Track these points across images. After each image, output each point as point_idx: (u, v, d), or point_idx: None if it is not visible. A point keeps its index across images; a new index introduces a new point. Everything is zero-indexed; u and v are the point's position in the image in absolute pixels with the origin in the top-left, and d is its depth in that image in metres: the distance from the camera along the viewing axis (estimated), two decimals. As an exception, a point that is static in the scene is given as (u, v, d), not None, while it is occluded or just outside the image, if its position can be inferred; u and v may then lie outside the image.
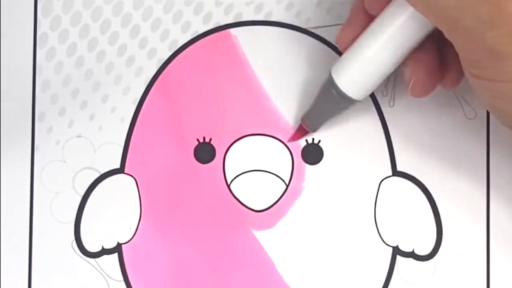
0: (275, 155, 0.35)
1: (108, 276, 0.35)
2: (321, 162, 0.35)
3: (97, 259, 0.35)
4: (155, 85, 0.35)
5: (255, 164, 0.35)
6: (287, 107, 0.35)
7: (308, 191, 0.35)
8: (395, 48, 0.29)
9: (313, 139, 0.35)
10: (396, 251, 0.35)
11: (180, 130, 0.35)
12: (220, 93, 0.35)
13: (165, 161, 0.35)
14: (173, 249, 0.35)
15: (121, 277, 0.35)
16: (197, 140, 0.35)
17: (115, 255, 0.35)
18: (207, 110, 0.35)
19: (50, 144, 0.36)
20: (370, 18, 0.30)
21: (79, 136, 0.36)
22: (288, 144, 0.35)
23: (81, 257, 0.35)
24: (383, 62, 0.30)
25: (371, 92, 0.31)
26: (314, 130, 0.34)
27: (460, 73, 0.30)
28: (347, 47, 0.31)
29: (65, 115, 0.36)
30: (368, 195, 0.35)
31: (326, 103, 0.32)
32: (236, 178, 0.35)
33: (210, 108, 0.35)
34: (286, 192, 0.35)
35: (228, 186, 0.35)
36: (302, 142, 0.35)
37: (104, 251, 0.35)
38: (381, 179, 0.35)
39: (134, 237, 0.35)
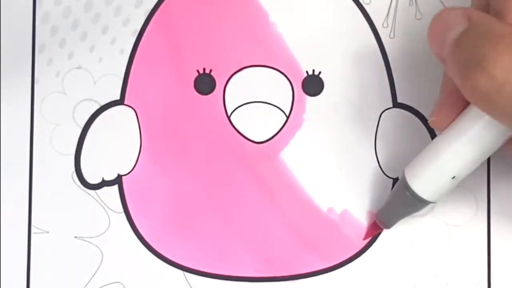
0: (276, 87, 0.35)
1: (108, 207, 0.35)
2: (321, 94, 0.35)
3: (98, 191, 0.35)
4: (155, 16, 0.35)
5: (256, 96, 0.35)
6: (291, 38, 0.35)
7: (309, 122, 0.35)
8: (474, 151, 0.28)
9: (313, 70, 0.35)
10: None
11: (180, 61, 0.35)
12: (221, 24, 0.35)
13: (165, 93, 0.35)
14: (173, 180, 0.35)
15: (121, 209, 0.35)
16: (197, 71, 0.35)
17: (115, 186, 0.35)
18: (207, 41, 0.35)
19: (50, 76, 0.36)
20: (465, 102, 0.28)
21: (79, 68, 0.36)
22: (288, 75, 0.35)
23: (82, 189, 0.35)
24: (464, 166, 0.29)
25: (446, 194, 0.31)
26: (388, 228, 0.34)
27: None
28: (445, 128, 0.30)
29: (65, 47, 0.35)
30: (368, 127, 0.35)
31: (400, 204, 0.32)
32: (237, 110, 0.35)
33: (210, 39, 0.35)
34: (287, 124, 0.35)
35: (228, 117, 0.35)
36: (302, 74, 0.35)
37: (104, 183, 0.35)
38: (382, 110, 0.35)
39: (134, 168, 0.35)
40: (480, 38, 0.25)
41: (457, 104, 0.29)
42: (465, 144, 0.28)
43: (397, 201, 0.32)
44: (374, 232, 0.34)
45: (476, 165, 0.29)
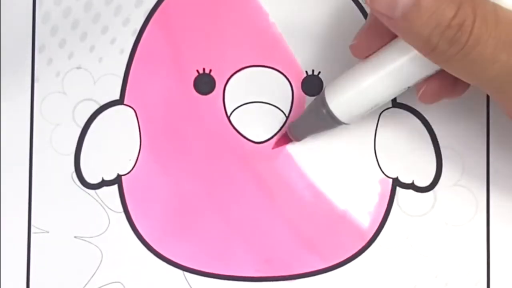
0: (275, 87, 0.35)
1: (108, 207, 0.35)
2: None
3: (97, 191, 0.35)
4: (155, 16, 0.35)
5: (255, 96, 0.35)
6: (291, 38, 0.35)
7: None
8: (396, 83, 0.29)
9: (313, 70, 0.35)
10: (396, 182, 0.35)
11: (179, 61, 0.35)
12: (221, 24, 0.35)
13: (165, 93, 0.35)
14: (173, 180, 0.35)
15: (121, 209, 0.35)
16: (197, 71, 0.35)
17: (115, 186, 0.35)
18: (207, 41, 0.35)
19: (50, 76, 0.36)
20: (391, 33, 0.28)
21: (79, 68, 0.36)
22: (288, 75, 0.35)
23: (81, 189, 0.35)
24: (380, 95, 0.30)
25: (360, 118, 0.31)
26: (298, 140, 0.34)
27: (467, 86, 0.30)
28: (361, 57, 0.30)
29: (65, 47, 0.36)
30: (368, 127, 0.35)
31: (315, 119, 0.32)
32: (236, 110, 0.35)
33: (210, 39, 0.35)
34: (286, 124, 0.35)
35: (228, 117, 0.35)
36: (302, 74, 0.35)
37: (104, 183, 0.35)
38: (381, 110, 0.35)
39: (134, 168, 0.35)
40: (440, 1, 0.24)
41: (382, 35, 0.29)
42: (389, 74, 0.29)
43: (311, 116, 0.32)
44: (283, 142, 0.35)
45: (395, 95, 0.30)
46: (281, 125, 0.35)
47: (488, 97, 0.35)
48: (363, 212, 0.35)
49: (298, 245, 0.35)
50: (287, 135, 0.34)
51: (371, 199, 0.35)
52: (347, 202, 0.35)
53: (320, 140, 0.35)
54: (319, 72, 0.35)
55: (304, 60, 0.35)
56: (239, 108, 0.35)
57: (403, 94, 0.34)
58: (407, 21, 0.25)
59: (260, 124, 0.35)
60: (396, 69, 0.29)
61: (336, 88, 0.31)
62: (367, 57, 0.30)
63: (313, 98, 0.35)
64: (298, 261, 0.35)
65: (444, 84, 0.29)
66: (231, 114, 0.35)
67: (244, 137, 0.35)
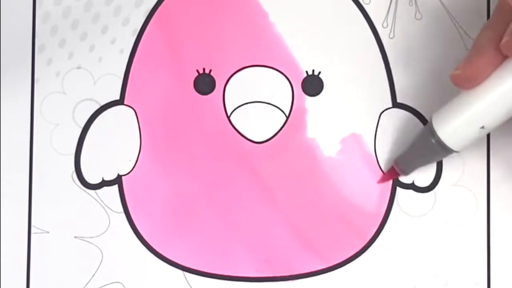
0: (276, 87, 0.35)
1: (108, 207, 0.35)
2: (321, 94, 0.35)
3: (97, 191, 0.35)
4: (155, 16, 0.35)
5: (255, 96, 0.35)
6: (291, 38, 0.35)
7: (308, 122, 0.35)
8: (507, 107, 0.29)
9: (313, 70, 0.35)
10: (396, 182, 0.35)
11: (179, 62, 0.35)
12: (221, 24, 0.35)
13: (165, 93, 0.35)
14: (173, 180, 0.35)
15: (121, 209, 0.35)
16: (197, 71, 0.35)
17: (115, 186, 0.35)
18: (207, 41, 0.35)
19: (50, 76, 0.36)
20: (498, 57, 0.28)
21: (79, 68, 0.36)
22: (288, 75, 0.35)
23: (82, 189, 0.35)
24: (496, 117, 0.29)
25: (471, 144, 0.31)
26: (406, 175, 0.34)
27: None
28: (465, 87, 0.30)
29: (65, 47, 0.36)
30: (368, 127, 0.35)
31: (423, 151, 0.32)
32: (236, 110, 0.35)
33: (210, 39, 0.35)
34: (286, 124, 0.35)
35: (228, 117, 0.35)
36: (302, 74, 0.35)
37: (104, 183, 0.35)
38: (381, 110, 0.35)
39: (134, 169, 0.35)
40: None
41: (489, 60, 0.28)
42: (499, 96, 0.28)
43: (420, 148, 0.32)
44: (391, 177, 0.34)
45: (506, 118, 0.29)
46: (281, 125, 0.35)
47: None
48: (363, 212, 0.35)
49: (298, 245, 0.35)
50: (394, 170, 0.34)
51: (371, 199, 0.35)
52: (347, 202, 0.35)
53: (320, 140, 0.35)
54: (319, 72, 0.35)
55: (304, 60, 0.35)
56: (239, 108, 0.35)
57: (403, 94, 0.35)
58: None
59: (260, 124, 0.35)
60: (507, 92, 0.28)
61: (444, 117, 0.30)
62: (471, 86, 0.29)
63: (313, 98, 0.35)
64: (298, 261, 0.35)
65: None
66: (231, 114, 0.35)
67: (244, 137, 0.35)
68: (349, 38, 0.35)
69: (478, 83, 0.29)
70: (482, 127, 0.29)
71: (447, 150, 0.31)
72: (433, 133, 0.30)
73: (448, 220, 0.35)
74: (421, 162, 0.33)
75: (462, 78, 0.29)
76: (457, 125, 0.30)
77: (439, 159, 0.32)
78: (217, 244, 0.35)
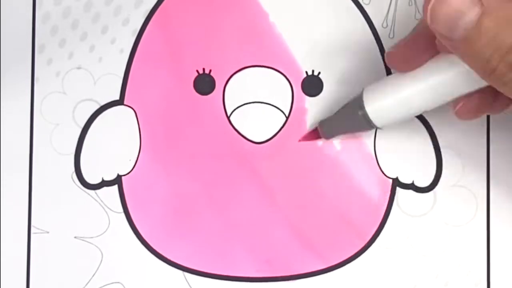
0: (275, 87, 0.35)
1: (108, 207, 0.35)
2: (321, 94, 0.35)
3: (97, 191, 0.35)
4: (155, 16, 0.35)
5: (255, 96, 0.35)
6: (291, 38, 0.35)
7: (308, 123, 0.35)
8: (436, 96, 0.29)
9: (313, 70, 0.35)
10: (396, 182, 0.35)
11: (179, 62, 0.35)
12: (221, 24, 0.35)
13: (165, 93, 0.35)
14: (172, 181, 0.35)
15: (121, 209, 0.35)
16: (197, 71, 0.35)
17: (115, 187, 0.35)
18: (207, 41, 0.35)
19: (50, 76, 0.36)
20: (432, 49, 0.29)
21: (79, 68, 0.36)
22: (288, 75, 0.35)
23: (81, 189, 0.35)
24: (421, 105, 0.30)
25: (393, 124, 0.31)
26: (327, 138, 0.34)
27: (507, 103, 0.30)
28: (395, 66, 0.30)
29: (65, 47, 0.36)
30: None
31: (348, 120, 0.32)
32: (236, 110, 0.35)
33: (210, 39, 0.35)
34: (286, 124, 0.35)
35: (228, 117, 0.35)
36: (302, 74, 0.35)
37: (104, 183, 0.35)
38: (381, 110, 0.35)
39: (134, 169, 0.35)
40: (501, 25, 0.24)
41: (423, 49, 0.29)
42: (431, 87, 0.29)
43: (346, 117, 0.32)
44: (311, 138, 0.34)
45: (433, 107, 0.30)
46: (281, 125, 0.35)
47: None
48: (363, 212, 0.35)
49: (299, 245, 0.35)
50: (317, 131, 0.34)
51: (371, 199, 0.35)
52: (347, 202, 0.35)
53: (319, 141, 0.35)
54: (319, 72, 0.35)
55: (304, 60, 0.35)
56: (239, 108, 0.35)
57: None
58: (467, 43, 0.24)
59: (260, 124, 0.35)
60: (439, 83, 0.29)
61: (375, 94, 0.31)
62: (402, 68, 0.30)
63: (313, 98, 0.35)
64: (298, 261, 0.35)
65: (484, 101, 0.29)
66: (231, 114, 0.35)
67: (244, 137, 0.35)
68: (349, 38, 0.35)
69: (410, 68, 0.29)
70: (409, 110, 0.30)
71: (371, 126, 0.31)
72: (361, 106, 0.31)
73: (448, 220, 0.35)
74: (344, 130, 0.33)
75: (396, 58, 0.30)
76: (385, 104, 0.30)
77: (361, 131, 0.33)
78: (217, 244, 0.35)
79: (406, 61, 0.29)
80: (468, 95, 0.29)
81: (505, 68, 0.24)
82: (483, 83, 0.27)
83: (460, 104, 0.30)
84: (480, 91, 0.29)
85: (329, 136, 0.34)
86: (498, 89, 0.26)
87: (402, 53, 0.30)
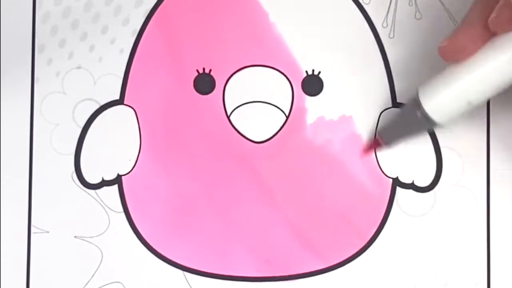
0: (276, 87, 0.35)
1: (108, 207, 0.35)
2: (321, 94, 0.35)
3: (97, 191, 0.35)
4: (155, 16, 0.35)
5: (255, 95, 0.35)
6: (291, 38, 0.35)
7: (308, 122, 0.35)
8: (500, 79, 0.29)
9: (313, 70, 0.35)
10: (396, 182, 0.35)
11: (179, 61, 0.35)
12: (221, 24, 0.35)
13: (165, 92, 0.35)
14: (172, 180, 0.35)
15: (121, 209, 0.35)
16: (197, 71, 0.35)
17: (115, 186, 0.35)
18: (207, 41, 0.35)
19: (50, 76, 0.36)
20: (485, 35, 0.28)
21: (79, 68, 0.36)
22: (288, 75, 0.35)
23: (81, 189, 0.35)
24: (480, 94, 0.29)
25: (456, 118, 0.31)
26: (390, 147, 0.34)
27: None
28: (449, 58, 0.30)
29: (65, 47, 0.36)
30: (368, 127, 0.35)
31: (408, 123, 0.32)
32: (236, 109, 0.35)
33: (210, 39, 0.35)
34: (286, 124, 0.35)
35: (228, 117, 0.35)
36: (302, 74, 0.35)
37: (104, 183, 0.35)
38: (381, 110, 0.35)
39: (134, 168, 0.35)
40: None
41: (477, 35, 0.29)
42: (485, 73, 0.28)
43: (405, 120, 0.32)
44: (373, 147, 0.34)
45: (491, 95, 0.29)
46: (281, 125, 0.35)
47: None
48: (363, 212, 0.35)
49: (298, 245, 0.35)
50: (378, 141, 0.34)
51: (371, 199, 0.35)
52: (347, 202, 0.35)
53: (320, 140, 0.35)
54: (319, 72, 0.35)
55: (304, 60, 0.35)
56: (239, 108, 0.35)
57: (403, 94, 0.35)
58: None
59: (260, 124, 0.35)
60: (496, 67, 0.28)
61: (431, 90, 0.30)
62: (458, 59, 0.29)
63: (313, 97, 0.35)
64: (298, 261, 0.35)
65: None
66: (231, 114, 0.35)
67: (244, 137, 0.35)
68: (349, 38, 0.35)
69: (464, 57, 0.29)
70: (468, 102, 0.30)
71: (432, 124, 0.31)
72: (419, 105, 0.30)
73: (448, 220, 0.35)
74: (405, 134, 0.33)
75: (449, 50, 0.29)
76: (443, 98, 0.30)
77: (423, 132, 0.32)
78: (217, 244, 0.35)
79: (461, 51, 0.29)
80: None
81: None
82: None
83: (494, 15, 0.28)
84: None
85: (391, 144, 0.33)
86: None
87: (455, 44, 0.29)
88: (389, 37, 0.35)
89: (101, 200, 0.35)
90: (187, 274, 0.35)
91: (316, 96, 0.35)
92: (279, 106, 0.35)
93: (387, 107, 0.35)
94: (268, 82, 0.35)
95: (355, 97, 0.35)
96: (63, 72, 0.36)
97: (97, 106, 0.35)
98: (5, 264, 0.35)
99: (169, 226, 0.35)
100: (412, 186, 0.35)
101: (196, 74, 0.35)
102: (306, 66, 0.35)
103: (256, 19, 0.35)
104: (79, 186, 0.35)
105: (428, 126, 0.31)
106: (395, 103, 0.35)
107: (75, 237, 0.35)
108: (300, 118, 0.35)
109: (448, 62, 0.30)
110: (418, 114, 0.31)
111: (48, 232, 0.35)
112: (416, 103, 0.31)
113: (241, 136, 0.35)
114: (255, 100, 0.35)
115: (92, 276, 0.35)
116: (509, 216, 0.34)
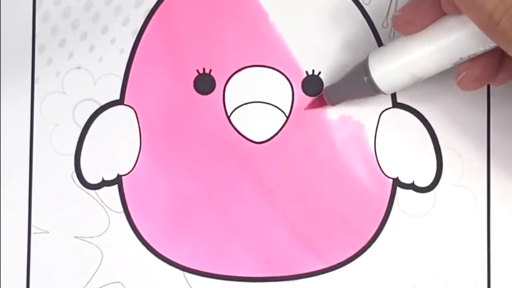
0: (276, 87, 0.35)
1: (108, 207, 0.35)
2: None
3: (97, 191, 0.35)
4: (155, 16, 0.35)
5: (256, 96, 0.35)
6: (291, 38, 0.35)
7: (308, 122, 0.35)
8: (446, 58, 0.29)
9: (313, 70, 0.35)
10: (396, 182, 0.35)
11: (179, 61, 0.35)
12: (221, 24, 0.35)
13: (165, 93, 0.35)
14: (173, 181, 0.35)
15: (121, 209, 0.35)
16: (197, 71, 0.35)
17: (115, 186, 0.35)
18: (207, 41, 0.35)
19: (50, 76, 0.36)
20: (438, 11, 0.29)
21: (79, 68, 0.36)
22: (288, 75, 0.35)
23: (81, 189, 0.35)
24: (426, 68, 0.30)
25: (400, 90, 0.32)
26: (333, 105, 0.34)
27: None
28: (401, 30, 0.30)
29: (65, 47, 0.36)
30: (368, 127, 0.35)
31: (353, 85, 0.32)
32: (236, 110, 0.35)
33: (210, 39, 0.35)
34: (287, 124, 0.35)
35: (228, 117, 0.35)
36: (302, 74, 0.35)
37: (104, 183, 0.35)
38: (381, 110, 0.35)
39: (134, 169, 0.35)
40: None
41: (429, 11, 0.29)
42: (433, 49, 0.29)
43: (351, 82, 0.32)
44: (317, 105, 0.34)
45: (438, 70, 0.30)
46: (281, 125, 0.35)
47: (488, 97, 0.35)
48: (363, 212, 0.35)
49: (298, 245, 0.35)
50: (323, 98, 0.34)
51: (371, 199, 0.35)
52: (347, 202, 0.35)
53: (320, 140, 0.35)
54: (319, 72, 0.35)
55: (304, 60, 0.35)
56: (239, 108, 0.35)
57: (403, 94, 0.35)
58: None
59: (260, 124, 0.35)
60: (444, 44, 0.29)
61: (380, 58, 0.31)
62: (408, 31, 0.30)
63: (312, 98, 0.35)
64: (298, 261, 0.35)
65: (487, 69, 0.29)
66: (231, 114, 0.35)
67: (244, 137, 0.35)
68: (349, 38, 0.35)
69: (414, 30, 0.29)
70: (413, 75, 0.30)
71: (376, 91, 0.31)
72: (367, 72, 0.31)
73: (448, 220, 0.35)
74: (350, 96, 0.33)
75: (400, 22, 0.30)
76: (390, 69, 0.30)
77: (366, 97, 0.33)
78: (217, 244, 0.35)
79: (411, 24, 0.29)
80: (472, 63, 0.29)
81: (508, 23, 0.24)
82: (488, 45, 0.27)
83: (463, 74, 0.30)
84: (484, 59, 0.29)
85: (334, 102, 0.34)
86: (502, 47, 0.25)
87: (408, 16, 0.30)
88: (389, 37, 0.35)
89: (101, 200, 0.35)
90: (187, 274, 0.35)
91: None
92: (279, 106, 0.35)
93: (387, 107, 0.35)
94: (268, 82, 0.35)
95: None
96: (63, 72, 0.36)
97: (97, 106, 0.35)
98: (5, 264, 0.35)
99: (169, 226, 0.35)
100: (412, 186, 0.35)
101: (196, 74, 0.35)
102: (306, 66, 0.35)
103: (256, 19, 0.35)
104: (79, 186, 0.35)
105: (373, 92, 0.32)
106: (395, 103, 0.35)
107: (75, 237, 0.35)
108: (300, 118, 0.35)
109: (400, 33, 0.30)
110: (365, 79, 0.31)
111: (48, 232, 0.35)
112: (364, 69, 0.31)
113: (241, 136, 0.35)
114: (255, 101, 0.35)
115: (92, 276, 0.35)
116: (509, 216, 0.34)
